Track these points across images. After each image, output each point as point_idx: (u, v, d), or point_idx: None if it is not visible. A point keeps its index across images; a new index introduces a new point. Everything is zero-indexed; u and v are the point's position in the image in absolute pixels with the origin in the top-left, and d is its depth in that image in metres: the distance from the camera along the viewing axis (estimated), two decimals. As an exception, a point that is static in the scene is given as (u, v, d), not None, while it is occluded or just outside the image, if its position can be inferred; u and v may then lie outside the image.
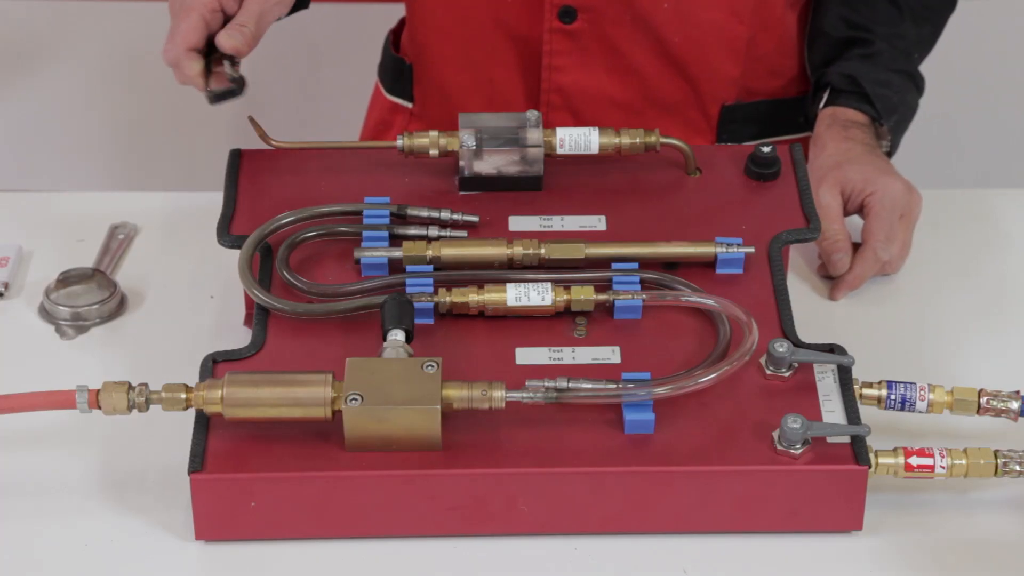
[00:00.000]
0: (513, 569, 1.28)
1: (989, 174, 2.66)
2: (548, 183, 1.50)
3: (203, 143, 2.56)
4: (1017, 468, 1.31)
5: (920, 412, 1.35)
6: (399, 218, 1.46)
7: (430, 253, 1.42)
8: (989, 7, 2.52)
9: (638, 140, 1.50)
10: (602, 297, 1.38)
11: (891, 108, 1.68)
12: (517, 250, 1.42)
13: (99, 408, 1.30)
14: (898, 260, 1.58)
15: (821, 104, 1.70)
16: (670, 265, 1.43)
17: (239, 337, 1.45)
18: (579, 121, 1.76)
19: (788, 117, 1.81)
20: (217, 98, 1.46)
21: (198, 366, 1.34)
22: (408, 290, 1.39)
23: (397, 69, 1.86)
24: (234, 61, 1.46)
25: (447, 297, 1.38)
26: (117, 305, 1.53)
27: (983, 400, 1.35)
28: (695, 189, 1.51)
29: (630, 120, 1.75)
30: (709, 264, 1.43)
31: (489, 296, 1.38)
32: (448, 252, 1.42)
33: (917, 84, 1.73)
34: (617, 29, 1.71)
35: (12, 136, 2.60)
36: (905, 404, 1.35)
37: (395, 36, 1.89)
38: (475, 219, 1.46)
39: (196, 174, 2.56)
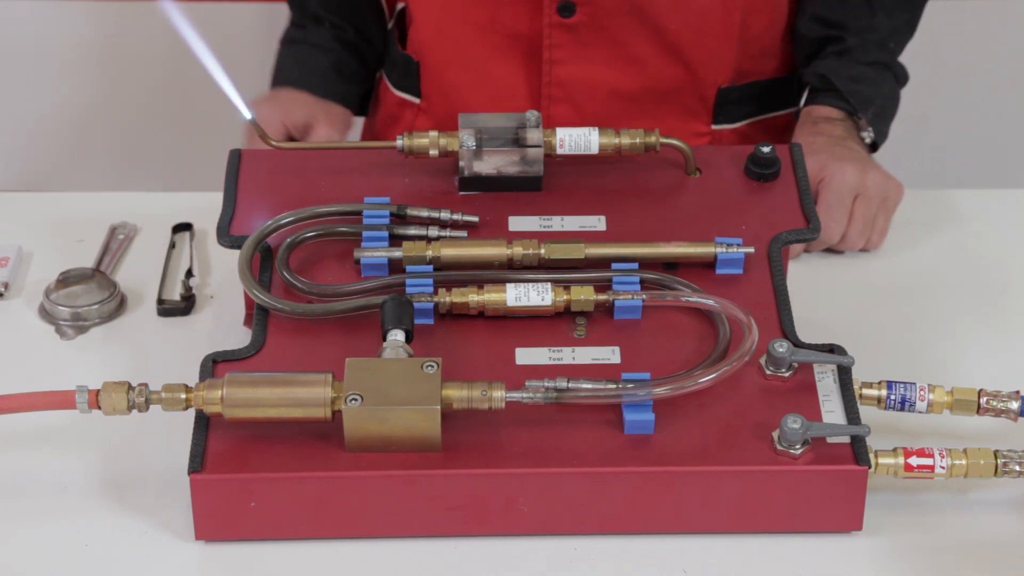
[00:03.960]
0: (513, 569, 1.28)
1: (990, 174, 2.66)
2: (548, 183, 1.51)
3: (203, 143, 2.56)
4: (1017, 468, 1.31)
5: (920, 412, 1.35)
6: (399, 218, 1.46)
7: (430, 253, 1.42)
8: (989, 7, 2.52)
9: (638, 140, 1.50)
10: (602, 297, 1.38)
11: (865, 101, 1.72)
12: (517, 250, 1.42)
13: (99, 408, 1.30)
14: (858, 239, 1.61)
15: (801, 104, 1.74)
16: (670, 265, 1.43)
17: (239, 337, 1.45)
18: (580, 112, 1.77)
19: (781, 95, 1.85)
20: (166, 312, 1.53)
21: (198, 366, 1.34)
22: (408, 290, 1.39)
23: (405, 65, 1.86)
24: (190, 275, 1.55)
25: (447, 297, 1.38)
26: (117, 305, 1.53)
27: (983, 400, 1.35)
28: (695, 189, 1.51)
29: (629, 109, 1.77)
30: (709, 264, 1.43)
31: (489, 296, 1.38)
32: (448, 252, 1.42)
33: (896, 73, 1.77)
34: (615, 20, 1.73)
35: (12, 136, 2.60)
36: (905, 404, 1.35)
37: (399, 32, 1.90)
38: (475, 219, 1.46)
39: (196, 174, 2.56)
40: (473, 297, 1.38)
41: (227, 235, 1.45)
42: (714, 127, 1.82)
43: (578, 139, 1.49)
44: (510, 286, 1.38)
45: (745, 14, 1.76)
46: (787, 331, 1.38)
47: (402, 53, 1.87)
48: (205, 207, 1.61)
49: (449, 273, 1.41)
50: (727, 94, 1.80)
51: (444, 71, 1.81)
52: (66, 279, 1.53)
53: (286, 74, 1.90)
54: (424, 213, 1.45)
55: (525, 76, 1.78)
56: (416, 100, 1.86)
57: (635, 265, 1.42)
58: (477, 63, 1.78)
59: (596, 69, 1.76)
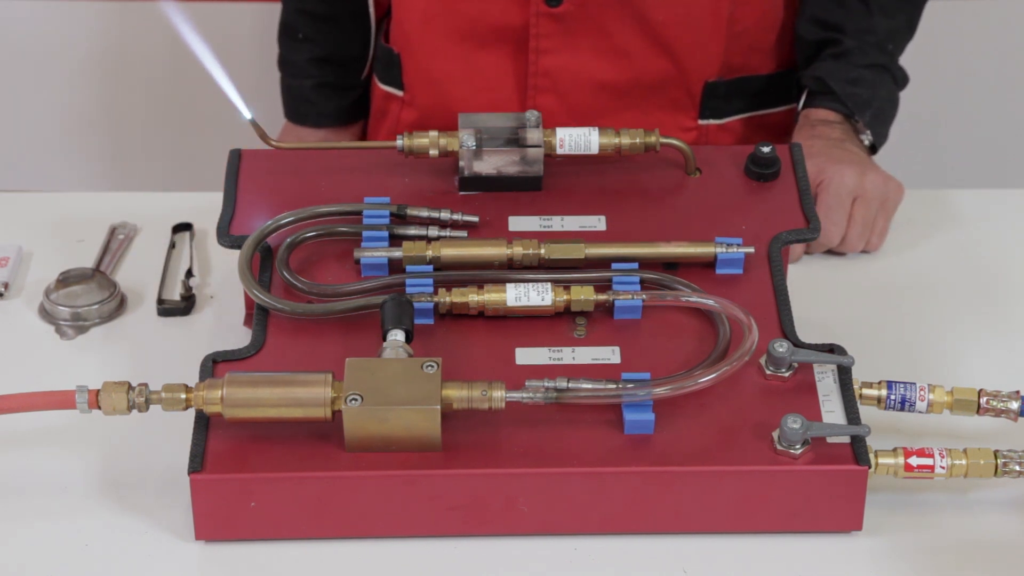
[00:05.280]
0: (513, 569, 1.28)
1: (990, 174, 2.66)
2: (548, 183, 1.50)
3: (203, 143, 2.56)
4: (1017, 468, 1.31)
5: (920, 412, 1.35)
6: (399, 218, 1.46)
7: (430, 253, 1.42)
8: (989, 7, 2.52)
9: (638, 140, 1.50)
10: (602, 297, 1.38)
11: (863, 104, 1.72)
12: (517, 250, 1.42)
13: (99, 408, 1.30)
14: (857, 241, 1.61)
15: (800, 107, 1.74)
16: (670, 265, 1.43)
17: (239, 337, 1.45)
18: (565, 104, 1.78)
19: (773, 93, 1.84)
20: (166, 312, 1.53)
21: (198, 366, 1.34)
22: (408, 290, 1.39)
23: (387, 58, 1.87)
24: (190, 275, 1.55)
25: (447, 297, 1.38)
26: (117, 305, 1.53)
27: (983, 400, 1.35)
28: (695, 189, 1.51)
29: (616, 101, 1.78)
30: (709, 264, 1.43)
31: (489, 296, 1.38)
32: (448, 252, 1.42)
33: (895, 75, 1.76)
34: (602, 10, 1.74)
35: (12, 136, 2.60)
36: (905, 404, 1.35)
37: (384, 25, 1.91)
38: (475, 219, 1.46)
39: (196, 174, 2.56)
40: (473, 297, 1.38)
41: (227, 235, 1.45)
42: (701, 122, 1.82)
43: (578, 139, 1.49)
44: (510, 286, 1.38)
45: (734, 7, 1.76)
46: (787, 331, 1.38)
47: (384, 46, 1.88)
48: (205, 207, 1.61)
49: (449, 273, 1.41)
50: (714, 88, 1.80)
51: (429, 62, 1.81)
52: (66, 279, 1.53)
53: (286, 110, 1.98)
54: (424, 213, 1.45)
55: (511, 66, 1.78)
56: (399, 93, 1.86)
57: (635, 265, 1.42)
58: (463, 53, 1.79)
59: (582, 60, 1.77)
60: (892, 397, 1.35)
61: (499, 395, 1.28)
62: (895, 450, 1.31)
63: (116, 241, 1.61)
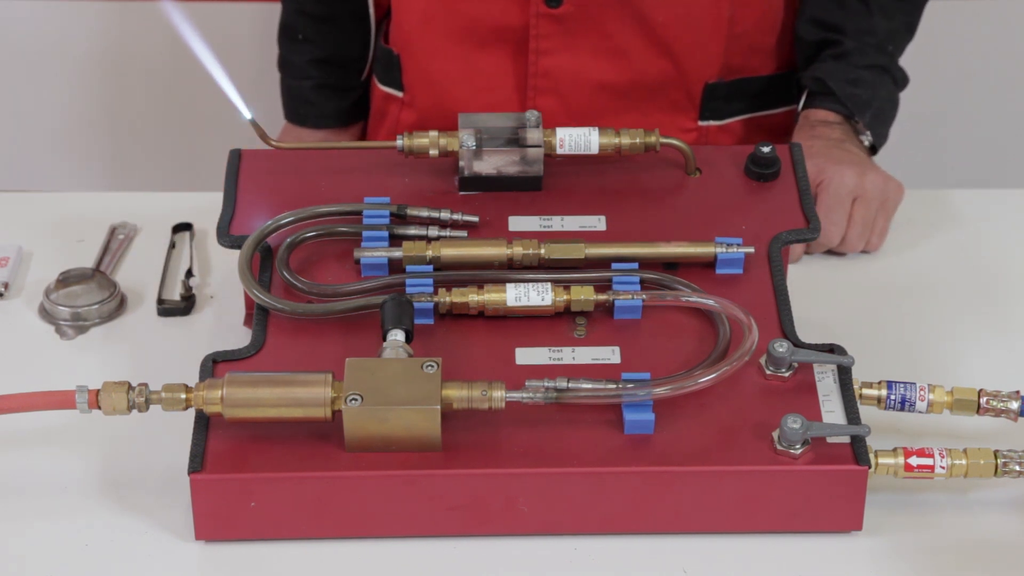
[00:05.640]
0: (513, 569, 1.28)
1: (990, 174, 2.66)
2: (548, 183, 1.50)
3: (203, 143, 2.56)
4: (1017, 468, 1.31)
5: (920, 412, 1.35)
6: (399, 218, 1.46)
7: (430, 253, 1.42)
8: (989, 7, 2.52)
9: (638, 140, 1.50)
10: (602, 297, 1.38)
11: (863, 104, 1.72)
12: (517, 250, 1.42)
13: (99, 408, 1.30)
14: (857, 241, 1.61)
15: (800, 107, 1.75)
16: (670, 265, 1.43)
17: (239, 337, 1.45)
18: (565, 105, 1.78)
19: (773, 95, 1.84)
20: (166, 312, 1.53)
21: (198, 366, 1.34)
22: (408, 290, 1.39)
23: (387, 59, 1.87)
24: (190, 275, 1.55)
25: (447, 297, 1.38)
26: (117, 305, 1.53)
27: (983, 400, 1.35)
28: (695, 189, 1.51)
29: (615, 102, 1.78)
30: (709, 264, 1.43)
31: (489, 296, 1.38)
32: (448, 252, 1.42)
33: (895, 76, 1.76)
34: (602, 11, 1.74)
35: (12, 136, 2.60)
36: (905, 404, 1.35)
37: (384, 26, 1.91)
38: (475, 219, 1.46)
39: (196, 174, 2.56)
40: (473, 297, 1.38)
41: (227, 235, 1.45)
42: (701, 123, 1.82)
43: (578, 139, 1.49)
44: (510, 286, 1.38)
45: (734, 8, 1.76)
46: (787, 331, 1.38)
47: (384, 47, 1.88)
48: (205, 207, 1.61)
49: (449, 273, 1.41)
50: (714, 90, 1.80)
51: (429, 63, 1.81)
52: (66, 279, 1.53)
53: (286, 111, 1.98)
54: (424, 213, 1.45)
55: (511, 67, 1.78)
56: (399, 94, 1.86)
57: (635, 265, 1.42)
58: (463, 54, 1.79)
59: (582, 61, 1.77)
60: (892, 397, 1.35)
61: (499, 395, 1.28)
62: (895, 450, 1.31)
63: (116, 241, 1.61)
